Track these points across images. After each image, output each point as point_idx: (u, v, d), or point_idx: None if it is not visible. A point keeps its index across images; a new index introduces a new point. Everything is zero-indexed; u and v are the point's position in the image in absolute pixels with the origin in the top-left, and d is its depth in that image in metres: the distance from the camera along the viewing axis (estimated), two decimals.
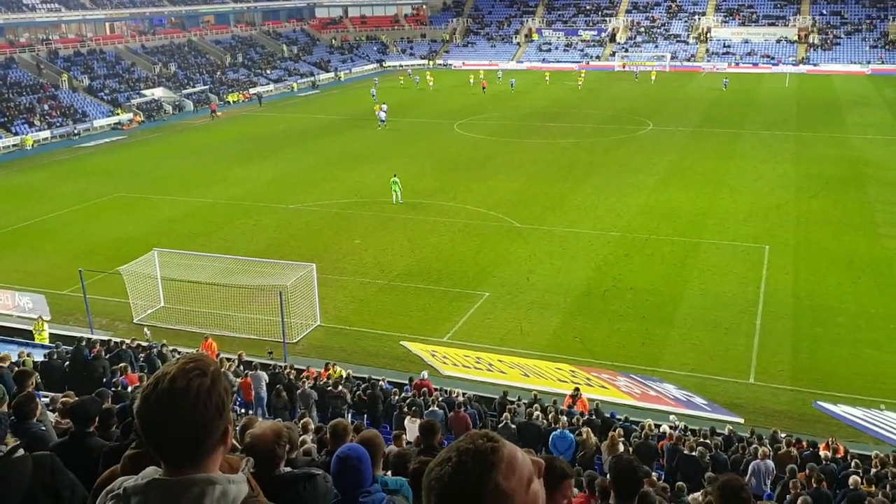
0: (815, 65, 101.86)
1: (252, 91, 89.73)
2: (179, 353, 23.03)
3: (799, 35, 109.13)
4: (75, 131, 69.23)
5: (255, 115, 77.99)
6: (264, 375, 22.10)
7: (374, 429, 13.18)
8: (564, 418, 18.80)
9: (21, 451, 4.76)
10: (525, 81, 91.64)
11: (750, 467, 16.01)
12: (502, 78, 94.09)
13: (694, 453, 16.19)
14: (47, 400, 13.46)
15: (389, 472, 7.15)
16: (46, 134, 67.59)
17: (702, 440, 17.52)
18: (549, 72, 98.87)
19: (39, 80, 77.40)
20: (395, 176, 44.06)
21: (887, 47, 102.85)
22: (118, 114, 75.37)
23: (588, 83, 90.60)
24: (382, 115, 66.43)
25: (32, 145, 64.44)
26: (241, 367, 22.87)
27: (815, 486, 14.26)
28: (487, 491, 1.93)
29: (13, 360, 19.03)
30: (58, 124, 69.76)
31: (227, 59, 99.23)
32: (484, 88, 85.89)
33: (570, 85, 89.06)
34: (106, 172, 53.72)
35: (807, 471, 14.78)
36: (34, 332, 26.69)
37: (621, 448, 16.12)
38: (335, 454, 4.88)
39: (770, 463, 16.13)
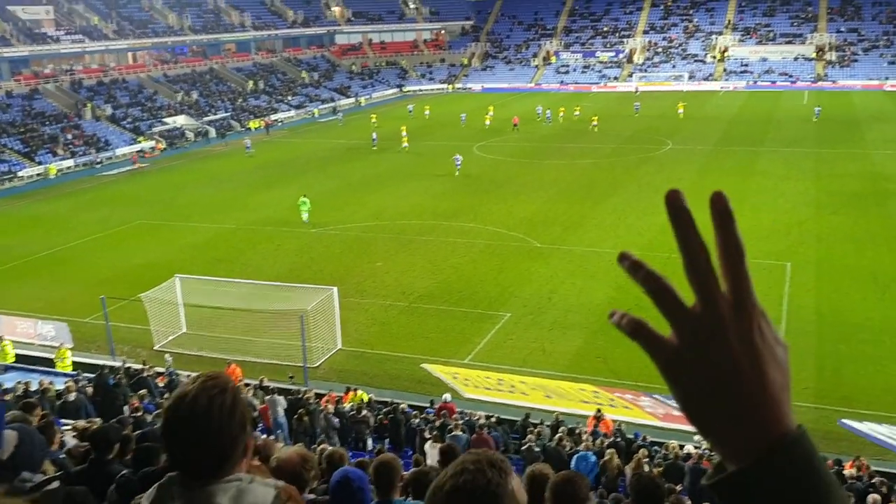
0: (833, 81, 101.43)
1: (273, 117, 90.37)
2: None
3: (816, 52, 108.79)
4: (98, 160, 69.89)
5: (277, 142, 78.42)
6: (281, 400, 22.07)
7: (394, 453, 13.12)
8: (588, 440, 18.65)
9: (56, 484, 4.76)
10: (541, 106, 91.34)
11: None
12: (542, 114, 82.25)
13: None
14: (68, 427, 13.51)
15: (410, 497, 7.10)
16: (70, 163, 68.32)
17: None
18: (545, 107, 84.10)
19: (63, 109, 78.38)
20: (304, 196, 45.20)
21: None
22: (140, 142, 76.12)
23: (604, 105, 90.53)
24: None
25: (56, 174, 65.16)
26: (261, 392, 22.88)
27: None
28: (507, 493, 2.00)
29: (33, 389, 19.18)
30: (81, 153, 70.54)
31: (249, 85, 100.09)
32: (515, 125, 75.11)
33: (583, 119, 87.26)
34: (128, 200, 54.18)
35: None
36: (55, 360, 26.83)
37: (646, 469, 15.98)
38: (332, 479, 4.85)
39: None
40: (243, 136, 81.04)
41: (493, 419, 21.48)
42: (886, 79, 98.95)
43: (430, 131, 76.94)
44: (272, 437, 19.41)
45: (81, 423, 13.41)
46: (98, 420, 14.54)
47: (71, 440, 10.56)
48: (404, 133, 68.52)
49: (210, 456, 2.43)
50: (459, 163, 56.10)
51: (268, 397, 22.07)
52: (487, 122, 78.58)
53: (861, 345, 27.23)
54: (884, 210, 42.92)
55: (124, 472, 6.91)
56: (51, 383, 20.18)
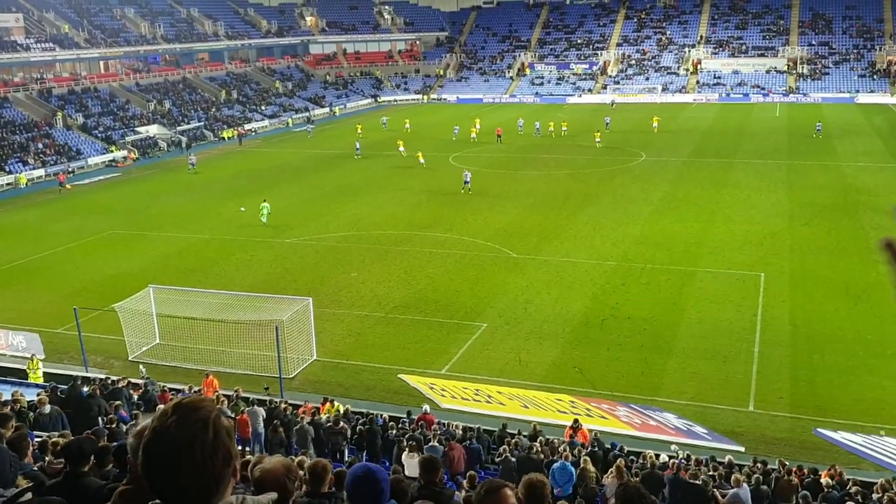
0: (804, 94, 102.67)
1: (246, 127, 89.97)
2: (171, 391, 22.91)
3: (788, 65, 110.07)
4: (70, 169, 69.10)
5: (250, 152, 78.07)
6: (261, 411, 21.92)
7: (373, 464, 12.97)
8: (565, 450, 18.60)
9: (28, 495, 4.65)
10: (514, 115, 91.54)
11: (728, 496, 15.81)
12: (523, 128, 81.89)
13: (697, 481, 16.01)
14: (40, 440, 13.28)
15: None
16: (41, 172, 67.49)
17: (704, 469, 17.34)
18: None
19: (34, 118, 77.55)
20: (264, 201, 47.53)
21: (874, 76, 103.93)
22: (112, 151, 75.48)
23: (578, 117, 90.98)
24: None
25: (27, 184, 64.40)
26: (238, 404, 22.65)
27: None
28: None
29: (5, 400, 18.85)
30: (52, 162, 69.74)
31: (222, 95, 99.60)
32: (499, 136, 75.52)
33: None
34: (100, 210, 53.66)
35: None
36: (28, 370, 26.47)
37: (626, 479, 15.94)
38: (352, 474, 4.76)
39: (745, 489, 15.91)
40: (210, 147, 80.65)
41: (472, 431, 21.35)
42: (857, 92, 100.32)
43: (411, 143, 76.59)
44: (248, 450, 19.25)
45: (54, 436, 13.19)
46: (68, 432, 14.32)
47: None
48: (401, 147, 68.61)
49: (194, 494, 2.35)
50: (468, 179, 54.02)
51: (249, 408, 21.86)
52: (473, 134, 78.00)
53: (834, 355, 27.46)
54: (855, 221, 43.38)
55: (102, 484, 6.76)
56: (21, 395, 19.83)
